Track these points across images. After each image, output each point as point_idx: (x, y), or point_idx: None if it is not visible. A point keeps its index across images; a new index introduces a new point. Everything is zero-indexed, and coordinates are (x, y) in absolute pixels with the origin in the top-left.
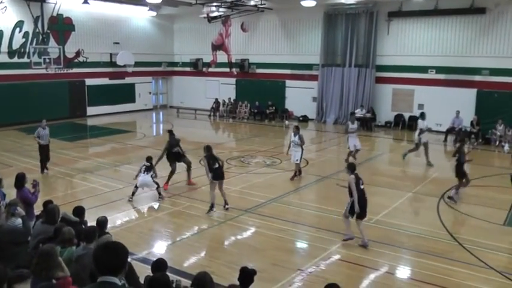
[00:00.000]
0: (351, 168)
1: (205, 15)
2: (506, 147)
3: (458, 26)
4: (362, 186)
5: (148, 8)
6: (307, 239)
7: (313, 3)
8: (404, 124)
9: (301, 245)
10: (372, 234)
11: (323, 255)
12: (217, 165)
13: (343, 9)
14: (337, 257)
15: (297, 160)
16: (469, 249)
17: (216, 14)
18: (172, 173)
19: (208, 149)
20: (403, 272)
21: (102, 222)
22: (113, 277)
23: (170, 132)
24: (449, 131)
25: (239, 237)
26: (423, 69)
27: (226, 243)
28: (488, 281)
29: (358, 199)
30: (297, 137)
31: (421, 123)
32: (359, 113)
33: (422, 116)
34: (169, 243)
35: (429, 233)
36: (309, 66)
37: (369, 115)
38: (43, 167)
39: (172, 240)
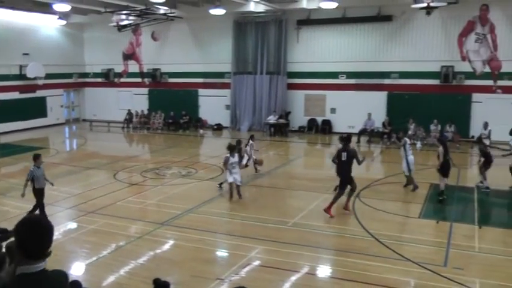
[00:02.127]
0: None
1: (115, 24)
2: (419, 144)
3: (366, 32)
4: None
5: (57, 17)
6: (226, 247)
7: (222, 12)
8: (318, 128)
9: (220, 253)
10: (290, 236)
11: (242, 262)
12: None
13: (253, 17)
14: (256, 263)
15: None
16: (385, 243)
17: (125, 22)
18: (338, 196)
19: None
20: (323, 272)
21: (12, 248)
22: None
23: (344, 139)
24: (362, 132)
25: (157, 251)
26: (334, 74)
27: (144, 258)
28: (406, 272)
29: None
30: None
31: None
32: (272, 119)
33: None
34: (86, 263)
35: (346, 231)
36: (220, 75)
37: (282, 121)
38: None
39: (89, 260)
